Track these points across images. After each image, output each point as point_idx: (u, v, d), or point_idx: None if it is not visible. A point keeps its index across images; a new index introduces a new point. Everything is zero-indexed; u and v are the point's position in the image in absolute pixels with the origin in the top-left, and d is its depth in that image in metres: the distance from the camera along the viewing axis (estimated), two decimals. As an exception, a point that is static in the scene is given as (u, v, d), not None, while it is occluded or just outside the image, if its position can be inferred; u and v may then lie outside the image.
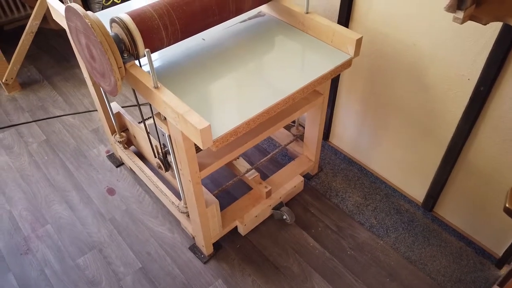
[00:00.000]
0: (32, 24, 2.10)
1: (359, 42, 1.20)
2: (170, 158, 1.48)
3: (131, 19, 1.08)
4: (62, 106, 2.16)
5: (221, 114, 1.06)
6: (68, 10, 1.03)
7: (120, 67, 1.05)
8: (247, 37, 1.33)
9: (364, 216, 1.60)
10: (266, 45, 1.29)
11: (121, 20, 1.07)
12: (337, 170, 1.78)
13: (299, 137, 1.76)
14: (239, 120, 1.04)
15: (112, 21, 1.10)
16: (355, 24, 1.43)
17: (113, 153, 1.88)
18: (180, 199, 1.51)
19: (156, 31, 1.11)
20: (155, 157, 1.53)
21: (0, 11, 2.68)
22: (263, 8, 1.44)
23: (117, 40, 1.07)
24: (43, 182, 1.77)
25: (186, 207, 1.43)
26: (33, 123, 2.06)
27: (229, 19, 1.30)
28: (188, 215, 1.45)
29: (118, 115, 1.68)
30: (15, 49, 2.14)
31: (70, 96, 2.22)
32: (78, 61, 1.49)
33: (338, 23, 1.46)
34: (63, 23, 1.35)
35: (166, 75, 1.18)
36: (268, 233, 1.55)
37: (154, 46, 1.13)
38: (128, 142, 1.76)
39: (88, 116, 2.10)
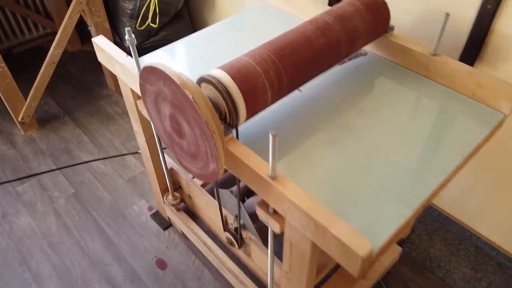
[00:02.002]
0: (53, 54, 1.79)
1: (522, 96, 0.91)
2: (246, 233, 1.18)
3: (231, 79, 0.77)
4: (90, 148, 1.84)
5: (357, 214, 0.74)
6: (151, 71, 0.72)
7: (224, 148, 0.74)
8: (354, 86, 1.03)
9: (479, 296, 1.30)
10: (382, 98, 0.98)
11: (219, 81, 0.77)
12: (432, 231, 1.47)
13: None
14: (389, 225, 0.73)
15: (202, 80, 0.80)
16: (484, 65, 1.13)
17: (157, 211, 1.56)
18: (256, 283, 1.21)
19: (261, 91, 0.81)
20: (225, 230, 1.23)
21: (8, 32, 2.36)
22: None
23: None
24: (76, 252, 1.45)
25: (273, 302, 1.12)
26: (58, 171, 1.74)
27: (335, 64, 1.00)
28: (273, 309, 1.14)
29: (171, 172, 1.37)
30: (28, 76, 1.83)
31: (97, 136, 1.90)
32: (128, 110, 1.18)
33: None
34: (112, 68, 1.04)
35: (262, 142, 0.87)
36: (366, 322, 1.25)
37: (256, 110, 0.83)
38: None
39: (122, 161, 1.78)
